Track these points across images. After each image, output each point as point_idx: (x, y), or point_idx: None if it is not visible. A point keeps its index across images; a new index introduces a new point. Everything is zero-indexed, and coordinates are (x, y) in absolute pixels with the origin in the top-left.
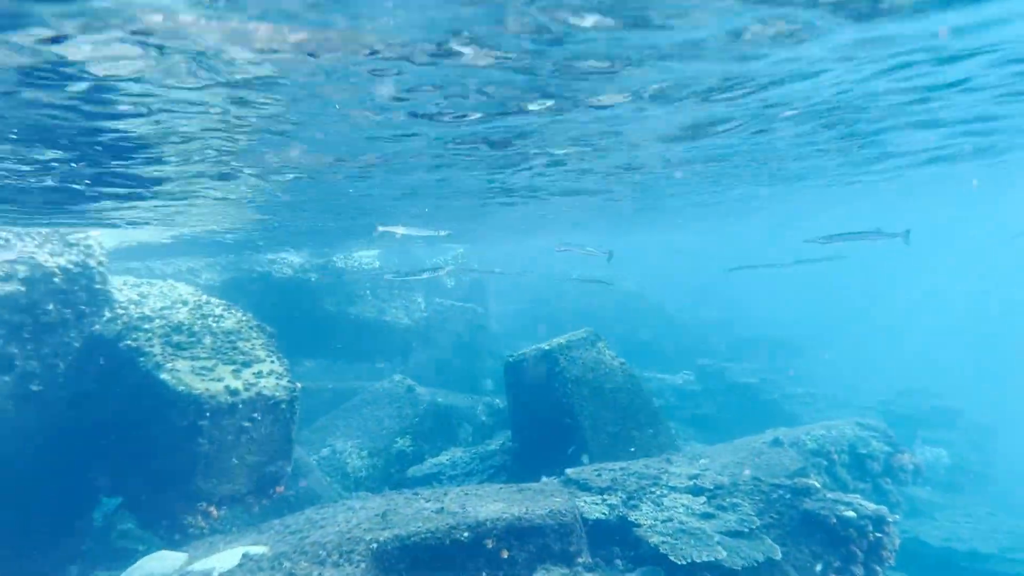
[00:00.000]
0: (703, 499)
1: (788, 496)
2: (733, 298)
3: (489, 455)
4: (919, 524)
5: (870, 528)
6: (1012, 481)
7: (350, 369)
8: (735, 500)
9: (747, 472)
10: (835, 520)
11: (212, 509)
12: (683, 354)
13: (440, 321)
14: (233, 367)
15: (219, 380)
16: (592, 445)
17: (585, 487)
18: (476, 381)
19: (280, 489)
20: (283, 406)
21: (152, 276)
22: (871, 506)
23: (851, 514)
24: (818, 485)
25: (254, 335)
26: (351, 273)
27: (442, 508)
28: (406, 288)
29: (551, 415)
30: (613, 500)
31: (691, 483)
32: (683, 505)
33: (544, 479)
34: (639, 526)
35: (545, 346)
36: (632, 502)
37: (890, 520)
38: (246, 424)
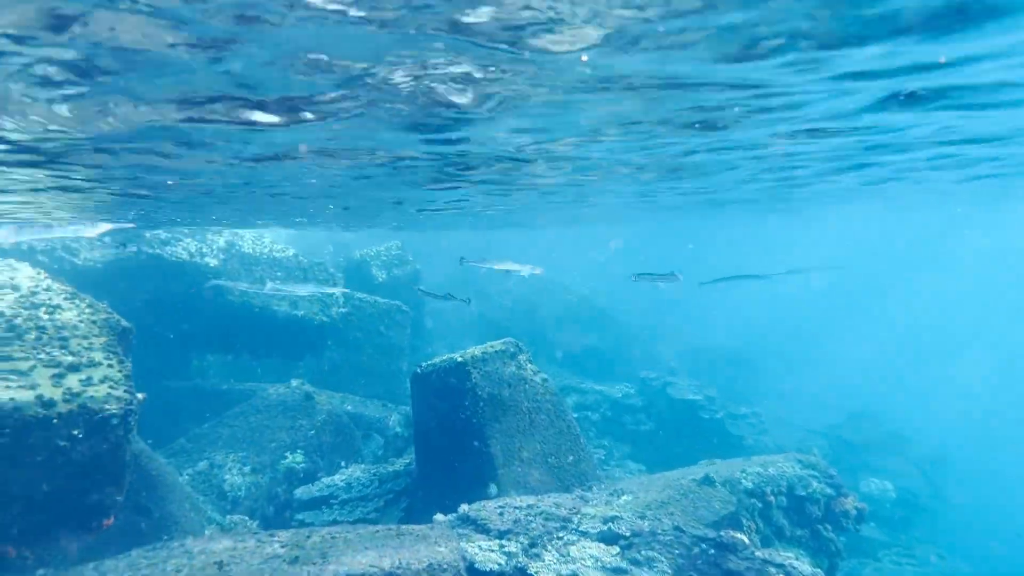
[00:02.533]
0: (616, 549)
1: (712, 551)
2: (690, 305)
3: (391, 477)
4: (860, 567)
5: None
6: (962, 515)
7: (259, 367)
8: (652, 553)
9: (669, 518)
10: None
11: (10, 549)
12: (630, 363)
13: (361, 319)
14: (55, 371)
15: (32, 388)
16: (502, 473)
17: (483, 528)
18: (397, 386)
19: (108, 522)
20: (114, 422)
21: (21, 254)
22: (806, 569)
23: None
24: (747, 541)
25: (95, 332)
26: (260, 260)
27: (297, 557)
28: (327, 282)
29: (459, 437)
30: (512, 547)
31: (605, 528)
32: (592, 556)
33: (437, 517)
34: None
35: (457, 357)
36: (534, 550)
37: None
38: (63, 443)
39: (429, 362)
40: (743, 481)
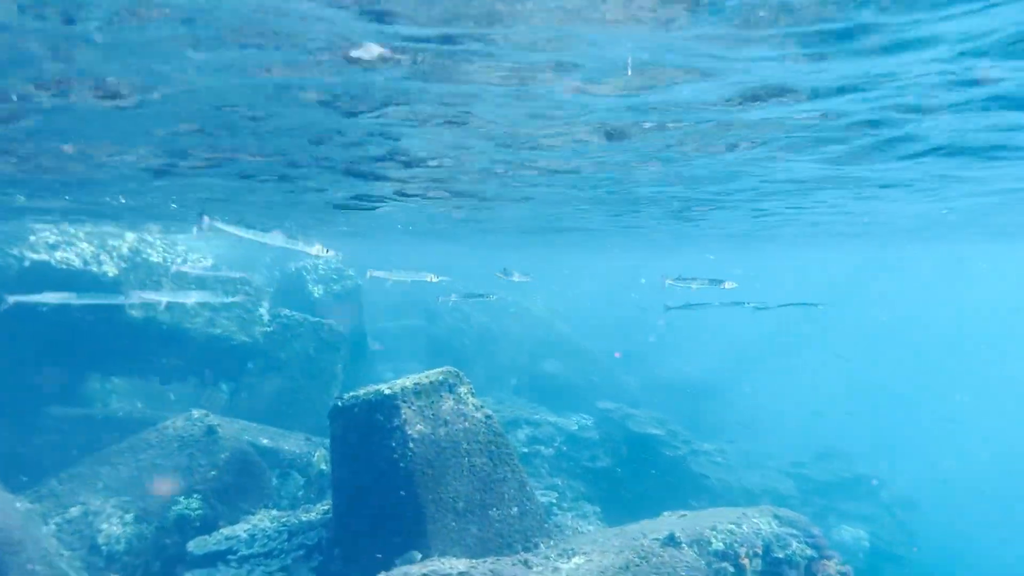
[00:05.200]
0: None
1: None
2: (656, 332)
3: (303, 528)
4: None
5: None
6: (934, 566)
7: (173, 392)
8: None
9: None
10: None
11: None
12: (593, 391)
13: (287, 338)
14: None
15: None
16: (432, 530)
17: None
18: (327, 417)
19: None
20: None
21: None
22: None
23: None
24: None
25: None
26: (170, 270)
27: None
28: (247, 295)
29: (384, 484)
30: None
31: None
32: None
33: None
34: None
35: (385, 389)
36: None
37: None
38: None
39: (352, 394)
40: (713, 541)
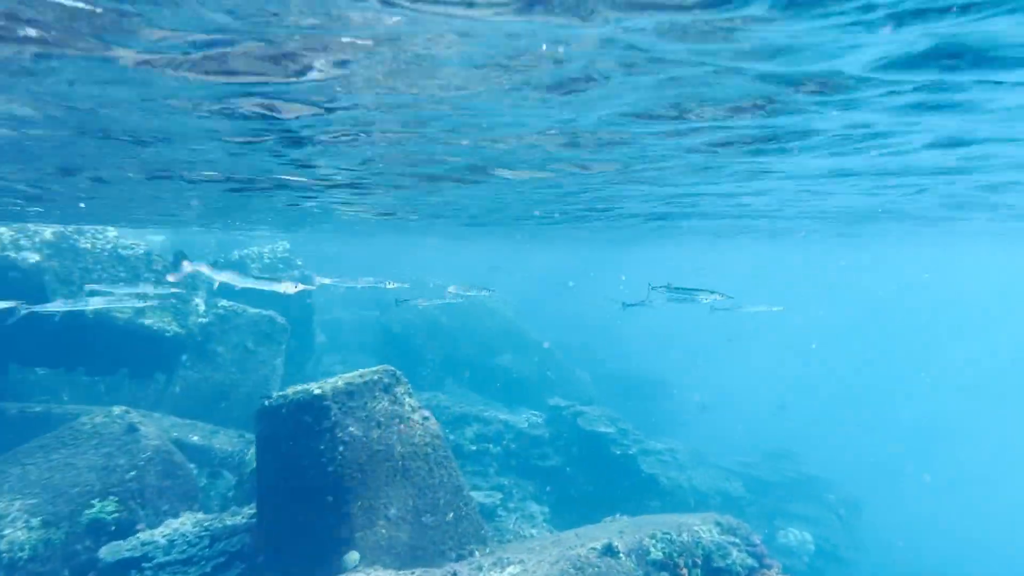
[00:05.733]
0: None
1: None
2: (611, 328)
3: (226, 533)
4: None
5: None
6: (879, 566)
7: (103, 385)
8: None
9: None
10: None
11: None
12: (545, 386)
13: (224, 330)
14: None
15: None
16: (361, 537)
17: None
18: None
19: None
20: None
21: None
22: None
23: None
24: None
25: None
26: (100, 257)
27: None
28: (186, 285)
29: (311, 489)
30: None
31: None
32: None
33: None
34: None
35: (315, 388)
36: None
37: None
38: None
39: (280, 393)
40: (652, 551)
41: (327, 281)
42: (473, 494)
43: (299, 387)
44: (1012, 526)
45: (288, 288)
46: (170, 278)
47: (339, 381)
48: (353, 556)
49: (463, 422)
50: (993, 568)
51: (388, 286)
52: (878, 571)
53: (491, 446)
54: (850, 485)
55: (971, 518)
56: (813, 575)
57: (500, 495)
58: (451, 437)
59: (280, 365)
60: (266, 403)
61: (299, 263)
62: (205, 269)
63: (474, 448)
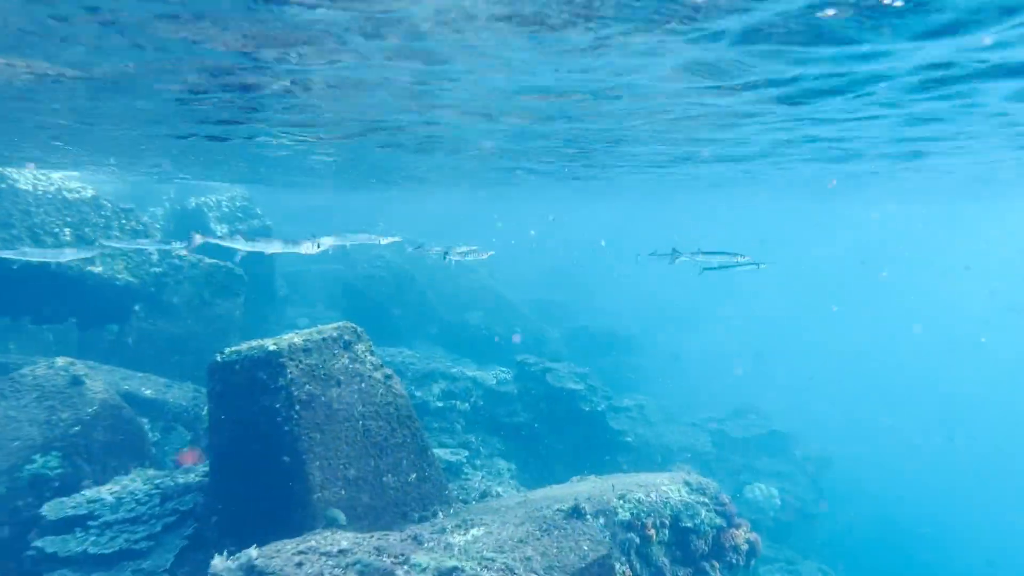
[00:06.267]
0: None
1: None
2: (585, 283)
3: (178, 491)
4: None
5: None
6: (846, 522)
7: (52, 335)
8: None
9: (525, 566)
10: None
11: None
12: (515, 343)
13: (179, 280)
14: None
15: None
16: (318, 498)
17: None
18: None
19: None
20: None
21: None
22: None
23: None
24: None
25: None
26: (43, 200)
27: None
28: (134, 231)
29: (266, 448)
30: None
31: None
32: None
33: (216, 563)
34: None
35: (270, 344)
36: None
37: None
38: None
39: (233, 348)
40: (619, 511)
41: (328, 240)
42: (439, 451)
43: (254, 343)
44: (985, 480)
45: (309, 248)
46: (182, 252)
47: (296, 337)
48: (339, 515)
49: (430, 379)
50: (967, 520)
51: (382, 242)
52: (846, 525)
53: (458, 403)
54: (822, 440)
55: (946, 473)
56: (780, 529)
57: (467, 452)
58: (417, 394)
59: (239, 317)
60: (219, 358)
61: (258, 211)
62: (226, 241)
63: (441, 405)
